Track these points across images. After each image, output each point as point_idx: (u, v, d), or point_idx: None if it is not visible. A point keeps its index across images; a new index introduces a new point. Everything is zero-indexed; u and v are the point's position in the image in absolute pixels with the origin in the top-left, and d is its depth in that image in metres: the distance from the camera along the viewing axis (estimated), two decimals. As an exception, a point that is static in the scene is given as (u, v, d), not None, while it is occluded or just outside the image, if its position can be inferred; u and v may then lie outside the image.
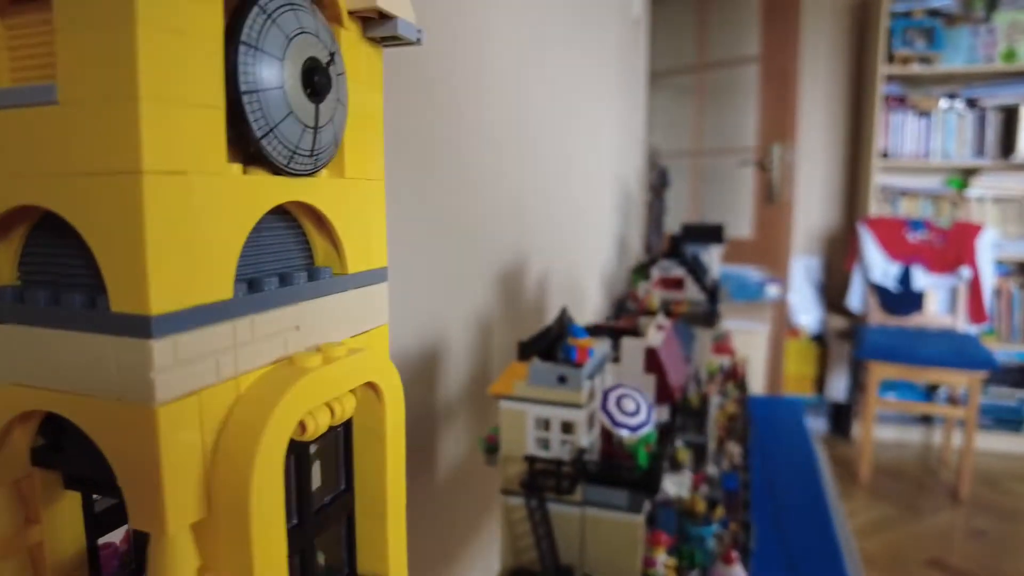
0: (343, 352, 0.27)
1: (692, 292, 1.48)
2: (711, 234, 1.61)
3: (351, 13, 0.28)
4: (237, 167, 0.23)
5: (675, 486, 0.93)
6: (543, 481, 0.72)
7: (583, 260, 2.24)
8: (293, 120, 0.24)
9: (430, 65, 1.12)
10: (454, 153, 1.23)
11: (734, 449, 1.25)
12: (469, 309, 1.32)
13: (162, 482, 0.21)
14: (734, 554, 0.87)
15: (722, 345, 1.64)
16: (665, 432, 0.85)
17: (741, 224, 2.95)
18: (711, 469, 1.26)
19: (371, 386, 0.29)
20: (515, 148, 1.56)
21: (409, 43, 0.30)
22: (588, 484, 0.74)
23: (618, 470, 0.74)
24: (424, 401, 1.15)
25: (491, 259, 1.46)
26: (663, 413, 0.93)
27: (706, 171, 3.17)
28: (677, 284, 1.48)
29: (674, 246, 1.51)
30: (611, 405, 0.74)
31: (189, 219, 0.21)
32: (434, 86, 1.14)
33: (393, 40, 0.30)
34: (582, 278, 2.20)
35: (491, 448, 0.83)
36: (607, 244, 2.51)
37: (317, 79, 0.24)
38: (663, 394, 0.92)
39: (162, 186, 0.20)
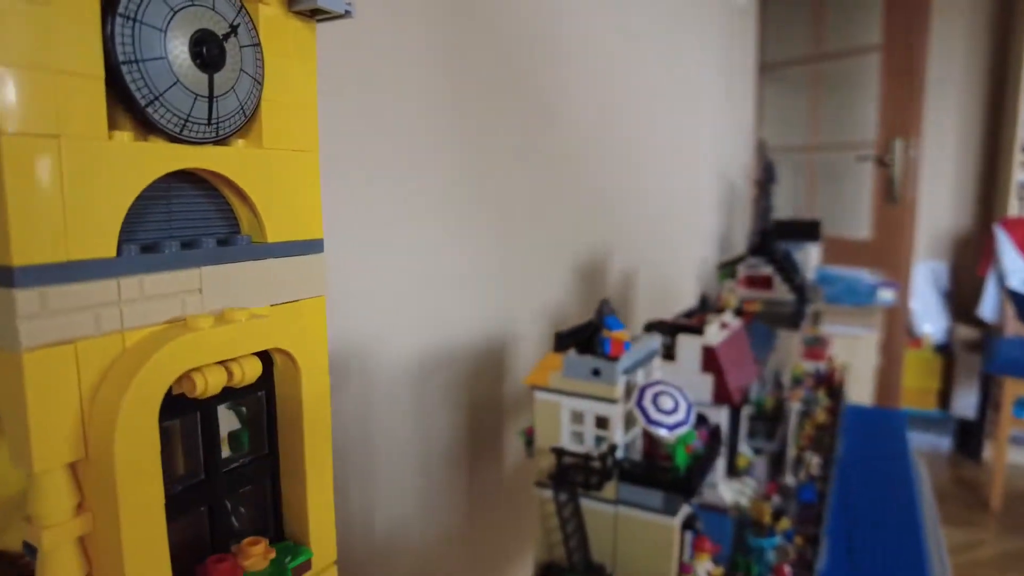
0: (243, 316, 0.27)
1: (781, 292, 1.40)
2: (806, 231, 1.51)
3: (273, -12, 0.29)
4: (126, 134, 0.24)
5: (732, 492, 0.88)
6: (572, 475, 0.71)
7: (678, 257, 2.17)
8: (181, 89, 0.25)
9: (513, 56, 1.12)
10: (533, 144, 1.23)
11: (812, 459, 1.17)
12: (542, 304, 1.31)
13: (28, 423, 0.22)
14: (787, 569, 0.82)
15: (816, 350, 1.54)
16: (717, 435, 0.81)
17: (858, 224, 2.74)
18: (789, 479, 1.19)
19: (289, 356, 0.30)
20: (601, 140, 1.54)
21: (338, 16, 0.31)
22: (620, 482, 0.72)
23: (654, 469, 0.71)
24: (492, 394, 1.16)
25: (569, 254, 1.44)
26: (720, 415, 0.88)
27: (821, 167, 2.97)
28: (765, 283, 1.40)
29: (763, 242, 1.43)
30: (647, 402, 0.71)
31: (60, 180, 0.22)
32: (518, 76, 1.14)
33: (323, 14, 0.31)
34: (675, 276, 2.13)
35: (530, 440, 0.82)
36: (707, 241, 2.42)
37: (206, 50, 0.25)
38: (721, 395, 0.88)
39: (24, 147, 0.21)
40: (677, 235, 2.15)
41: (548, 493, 0.75)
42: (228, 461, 0.30)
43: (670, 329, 0.96)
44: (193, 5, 0.25)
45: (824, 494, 1.13)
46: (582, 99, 1.42)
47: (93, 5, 0.23)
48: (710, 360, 0.88)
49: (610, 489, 0.72)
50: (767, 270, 1.39)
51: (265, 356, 0.30)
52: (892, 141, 2.46)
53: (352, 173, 0.84)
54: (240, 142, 0.29)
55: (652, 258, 1.97)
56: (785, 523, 0.94)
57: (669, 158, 2.02)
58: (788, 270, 1.37)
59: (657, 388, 0.74)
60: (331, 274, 0.83)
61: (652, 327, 1.03)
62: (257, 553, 0.29)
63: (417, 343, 0.98)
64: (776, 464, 1.22)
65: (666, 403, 0.72)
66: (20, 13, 0.21)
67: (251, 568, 0.28)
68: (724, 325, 0.95)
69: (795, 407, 1.16)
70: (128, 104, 0.24)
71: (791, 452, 1.19)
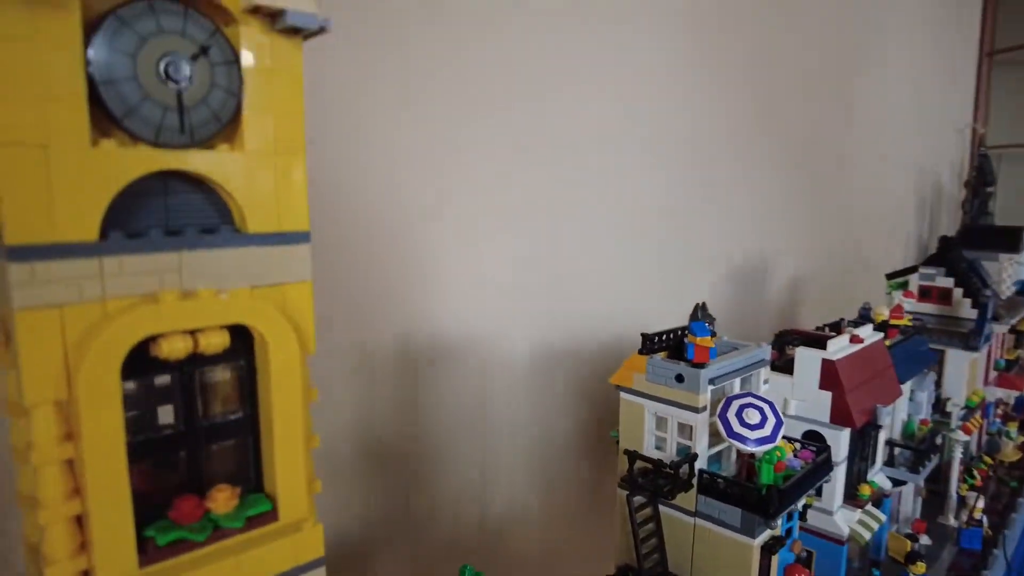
0: (208, 294, 0.32)
1: (963, 308, 1.22)
2: (1003, 239, 1.30)
3: (253, 11, 0.33)
4: (112, 141, 0.30)
5: (851, 523, 0.80)
6: (643, 480, 0.69)
7: (863, 263, 1.97)
8: (152, 103, 0.30)
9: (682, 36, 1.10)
10: (674, 133, 1.20)
11: (977, 501, 1.01)
12: (681, 308, 1.28)
13: (20, 367, 0.29)
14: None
15: (1014, 378, 1.32)
16: (826, 458, 0.74)
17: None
18: (950, 520, 1.04)
19: (259, 333, 0.35)
20: (765, 130, 1.45)
21: (317, 32, 0.35)
22: (699, 494, 0.69)
23: (735, 485, 0.67)
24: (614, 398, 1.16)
25: (721, 256, 1.39)
26: (840, 438, 0.81)
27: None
28: (942, 296, 1.24)
29: (944, 251, 1.26)
30: (731, 414, 0.68)
31: (48, 179, 0.29)
32: (678, 61, 1.13)
33: (303, 31, 0.35)
34: (857, 284, 1.94)
35: (621, 442, 0.81)
36: (901, 247, 2.17)
37: (171, 70, 0.30)
38: (839, 416, 0.80)
39: (15, 155, 0.28)
40: (862, 239, 1.95)
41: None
42: (211, 418, 0.35)
43: (801, 341, 0.89)
44: (162, 33, 0.30)
45: (994, 544, 0.97)
46: (741, 80, 1.35)
47: (75, 37, 0.29)
48: (829, 376, 0.81)
49: (690, 500, 0.70)
50: (946, 282, 1.23)
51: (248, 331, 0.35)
52: None
53: (487, 168, 0.89)
54: (224, 146, 0.34)
55: (828, 264, 1.81)
56: (921, 567, 0.84)
57: (854, 152, 1.85)
58: (972, 283, 1.19)
59: (745, 400, 0.70)
60: (455, 265, 0.88)
61: (782, 336, 0.97)
62: (221, 498, 0.33)
63: (541, 337, 1.00)
64: (939, 501, 1.08)
65: (752, 417, 0.68)
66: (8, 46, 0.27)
67: (214, 510, 0.33)
68: (856, 339, 0.86)
69: (961, 438, 1.01)
70: (111, 116, 0.30)
71: (955, 489, 1.04)
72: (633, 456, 0.70)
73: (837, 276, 1.81)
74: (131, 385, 0.32)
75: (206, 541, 0.32)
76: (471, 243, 0.88)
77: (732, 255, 1.41)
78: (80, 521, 0.31)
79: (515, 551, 0.97)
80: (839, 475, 0.81)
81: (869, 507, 0.84)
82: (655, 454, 0.72)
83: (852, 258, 1.89)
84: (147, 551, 0.32)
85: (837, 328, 0.99)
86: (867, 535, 0.82)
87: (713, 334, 0.78)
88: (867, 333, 0.89)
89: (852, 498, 0.83)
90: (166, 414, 0.34)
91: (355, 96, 0.75)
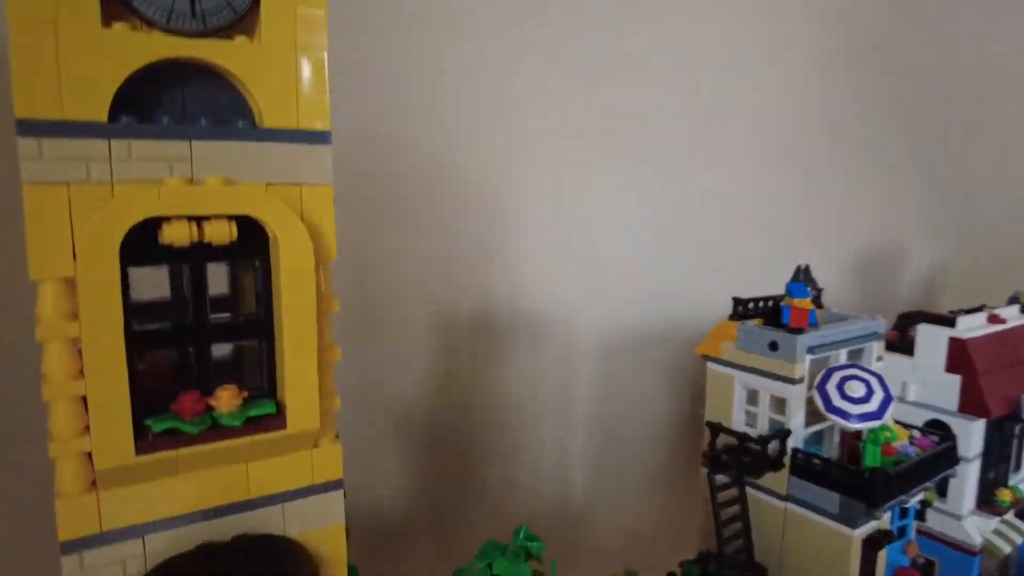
0: (215, 182, 0.32)
1: None
2: None
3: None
4: (121, 25, 0.30)
5: (985, 531, 0.69)
6: (729, 458, 0.63)
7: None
8: (161, -17, 0.30)
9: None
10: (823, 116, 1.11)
11: None
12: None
13: (27, 240, 0.29)
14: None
15: None
16: (950, 447, 0.64)
17: None
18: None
19: (270, 229, 0.34)
20: (905, 112, 1.30)
21: (336, -78, 0.33)
22: (792, 475, 0.62)
23: (834, 466, 0.60)
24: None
25: (834, 237, 1.26)
26: (972, 430, 0.70)
27: None
28: (1121, 287, 1.05)
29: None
30: (831, 386, 0.60)
31: (56, 56, 0.29)
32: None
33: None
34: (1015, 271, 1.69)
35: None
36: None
37: (179, -50, 0.30)
38: (970, 403, 0.69)
39: (28, 28, 0.28)
40: (1014, 219, 1.71)
41: (718, 476, 0.68)
42: (223, 317, 0.34)
43: (926, 320, 0.79)
44: (171, -87, 0.30)
45: None
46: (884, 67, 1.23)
47: (85, -84, 0.29)
48: (958, 356, 0.70)
49: (781, 482, 0.63)
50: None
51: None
52: None
53: (588, 142, 0.86)
54: (242, 37, 0.33)
55: (974, 248, 1.60)
56: (1073, 591, 0.71)
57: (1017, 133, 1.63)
58: None
59: (848, 371, 0.62)
60: (549, 237, 0.85)
61: (907, 317, 0.86)
62: (224, 396, 0.33)
63: (635, 316, 0.96)
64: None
65: (856, 390, 0.60)
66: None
67: (217, 408, 0.33)
68: (995, 319, 0.75)
69: None
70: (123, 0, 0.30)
71: None
72: (716, 428, 0.64)
73: (986, 261, 1.60)
74: (139, 273, 0.32)
75: (201, 436, 0.32)
76: (566, 216, 0.85)
77: (843, 241, 1.28)
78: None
79: (596, 532, 0.93)
80: (970, 474, 0.70)
81: (1010, 516, 0.72)
82: (743, 430, 0.65)
83: (1004, 238, 1.66)
84: (146, 439, 0.31)
85: (974, 311, 0.87)
86: (1006, 548, 0.70)
87: (818, 305, 0.70)
88: (1012, 314, 0.77)
89: (988, 503, 0.72)
90: (175, 306, 0.33)
91: (451, 62, 0.74)
